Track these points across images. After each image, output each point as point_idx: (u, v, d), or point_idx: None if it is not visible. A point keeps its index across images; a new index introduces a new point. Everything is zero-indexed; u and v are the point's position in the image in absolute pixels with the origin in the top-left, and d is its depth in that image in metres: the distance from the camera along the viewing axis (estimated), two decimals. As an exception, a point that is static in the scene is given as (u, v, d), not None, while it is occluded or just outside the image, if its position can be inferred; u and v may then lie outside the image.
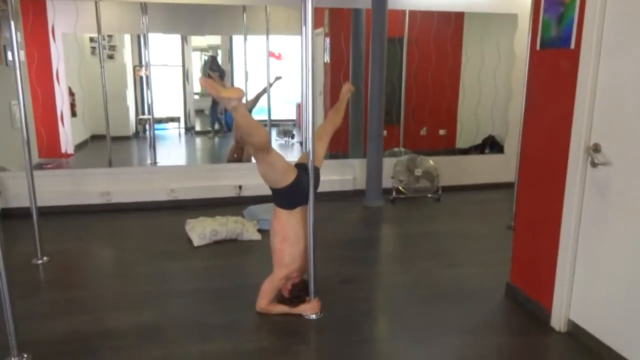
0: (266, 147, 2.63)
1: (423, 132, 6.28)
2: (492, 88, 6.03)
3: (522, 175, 3.01)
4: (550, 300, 2.79)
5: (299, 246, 2.87)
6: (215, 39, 6.22)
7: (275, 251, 2.90)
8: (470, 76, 6.03)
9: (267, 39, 5.45)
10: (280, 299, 2.98)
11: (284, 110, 6.48)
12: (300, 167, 2.85)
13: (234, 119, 2.52)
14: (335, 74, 5.83)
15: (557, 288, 2.73)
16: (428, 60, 5.86)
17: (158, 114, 5.68)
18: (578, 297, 2.66)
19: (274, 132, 6.51)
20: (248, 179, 5.34)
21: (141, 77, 5.83)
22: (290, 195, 2.80)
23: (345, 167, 5.51)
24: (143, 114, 5.99)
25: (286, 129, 6.62)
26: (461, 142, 6.29)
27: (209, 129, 6.42)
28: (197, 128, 6.48)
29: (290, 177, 2.74)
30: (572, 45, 2.54)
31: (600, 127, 2.44)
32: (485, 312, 3.01)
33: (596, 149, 2.45)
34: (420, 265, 3.69)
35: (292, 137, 6.49)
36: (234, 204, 5.09)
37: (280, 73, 5.74)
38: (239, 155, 5.86)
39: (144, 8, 4.98)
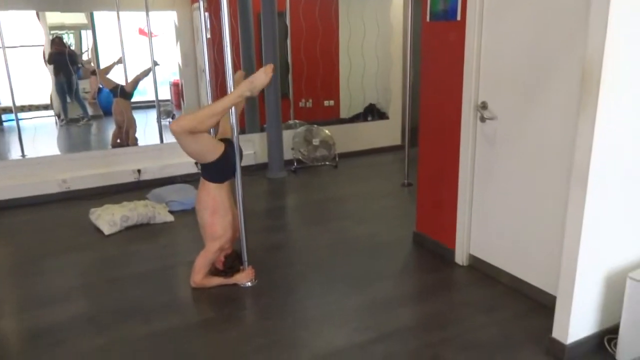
0: (206, 131, 2.74)
1: (309, 104, 6.56)
2: (374, 59, 6.47)
3: (422, 134, 3.39)
4: (453, 240, 3.24)
5: (228, 217, 2.97)
6: (76, 17, 5.71)
7: (206, 225, 2.95)
8: (353, 48, 6.39)
9: (147, 15, 5.22)
10: (213, 272, 3.05)
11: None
12: (226, 141, 2.92)
13: (230, 98, 2.66)
14: (219, 50, 5.80)
15: (459, 228, 3.18)
16: (311, 35, 6.10)
17: (19, 101, 5.14)
18: (476, 234, 3.13)
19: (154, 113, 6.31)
20: (146, 161, 5.18)
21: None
22: (220, 168, 2.86)
23: (245, 142, 5.53)
24: (-3, 102, 5.39)
25: (167, 109, 6.44)
26: (348, 112, 6.69)
27: (81, 115, 5.89)
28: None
29: (218, 151, 2.80)
30: (458, 17, 2.91)
31: (486, 87, 2.86)
32: (399, 258, 3.39)
33: (484, 106, 2.88)
34: (333, 226, 3.97)
35: (173, 117, 6.31)
36: (134, 189, 4.93)
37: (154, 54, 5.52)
38: (122, 140, 5.62)
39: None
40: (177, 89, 6.55)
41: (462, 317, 2.65)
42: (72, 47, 5.63)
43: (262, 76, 2.67)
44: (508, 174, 2.82)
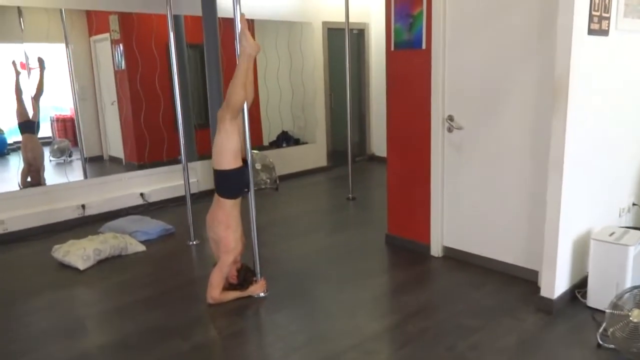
0: (240, 109, 2.93)
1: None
2: (298, 88, 6.91)
3: (390, 147, 3.88)
4: (427, 236, 3.74)
5: (239, 232, 3.14)
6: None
7: (221, 239, 3.07)
8: (282, 79, 6.78)
9: (67, 47, 5.06)
10: (227, 287, 3.16)
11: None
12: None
13: (242, 65, 2.89)
14: (132, 81, 5.78)
15: (433, 225, 3.70)
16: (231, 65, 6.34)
17: None
18: (448, 227, 3.67)
19: (47, 151, 5.94)
20: (89, 196, 4.96)
21: None
22: (236, 180, 3.03)
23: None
24: None
25: (62, 146, 6.04)
26: (268, 138, 6.97)
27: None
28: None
29: (239, 161, 2.99)
30: (423, 46, 3.49)
31: (452, 103, 3.45)
32: (382, 258, 3.81)
33: (451, 119, 3.46)
34: (307, 238, 4.27)
35: (70, 155, 5.94)
36: (80, 225, 4.71)
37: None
38: (34, 180, 5.28)
39: None
40: (64, 125, 6.19)
41: (460, 294, 3.13)
42: None
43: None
44: (474, 173, 3.42)
